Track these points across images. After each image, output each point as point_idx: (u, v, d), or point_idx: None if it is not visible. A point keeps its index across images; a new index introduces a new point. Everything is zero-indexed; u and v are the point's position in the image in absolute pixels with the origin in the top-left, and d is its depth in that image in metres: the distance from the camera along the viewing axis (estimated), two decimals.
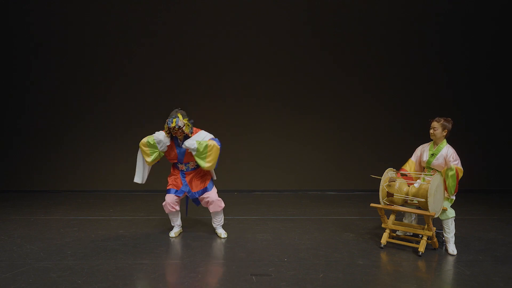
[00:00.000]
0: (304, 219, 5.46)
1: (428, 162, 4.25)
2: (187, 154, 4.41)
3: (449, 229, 4.11)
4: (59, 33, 7.13)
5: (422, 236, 4.09)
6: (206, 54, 7.15)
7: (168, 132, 4.33)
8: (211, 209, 4.54)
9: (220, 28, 7.14)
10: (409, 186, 4.16)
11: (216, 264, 3.81)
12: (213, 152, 4.29)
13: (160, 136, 4.37)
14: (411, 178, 4.33)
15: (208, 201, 4.50)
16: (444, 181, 4.05)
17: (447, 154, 4.14)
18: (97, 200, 6.61)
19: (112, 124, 7.21)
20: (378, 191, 4.22)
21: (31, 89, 7.25)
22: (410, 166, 4.40)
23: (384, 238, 4.26)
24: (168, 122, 4.24)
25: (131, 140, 7.14)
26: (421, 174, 4.30)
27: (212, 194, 4.51)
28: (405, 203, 4.20)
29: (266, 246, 4.32)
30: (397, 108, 7.28)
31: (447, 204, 4.10)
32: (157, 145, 4.37)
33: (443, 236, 4.20)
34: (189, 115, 4.41)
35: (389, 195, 4.13)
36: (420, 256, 4.00)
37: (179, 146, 4.41)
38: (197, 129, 4.46)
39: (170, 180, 4.57)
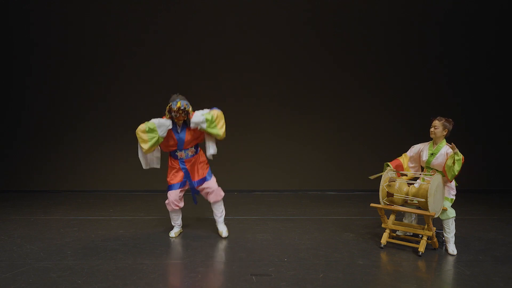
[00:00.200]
0: (304, 219, 5.46)
1: (428, 161, 4.25)
2: (187, 140, 4.39)
3: (449, 229, 4.11)
4: (59, 33, 7.13)
5: (422, 236, 4.10)
6: (206, 54, 7.15)
7: (169, 116, 4.29)
8: (212, 199, 4.51)
9: (220, 28, 7.14)
10: (409, 186, 4.16)
11: (216, 264, 3.81)
12: (221, 118, 4.38)
13: (161, 119, 4.29)
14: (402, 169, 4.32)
15: (208, 192, 4.49)
16: (444, 170, 4.02)
17: (447, 153, 4.14)
18: (97, 200, 6.61)
19: (112, 124, 7.21)
20: (378, 191, 4.22)
21: (31, 89, 7.25)
22: (403, 160, 4.41)
23: (384, 238, 4.26)
24: (173, 104, 4.19)
25: (131, 140, 7.11)
26: (420, 174, 4.30)
27: (211, 184, 4.50)
28: (405, 203, 4.20)
29: (266, 246, 4.32)
30: (397, 108, 7.28)
31: (447, 204, 4.10)
32: (157, 129, 4.23)
33: (443, 236, 4.20)
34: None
35: (389, 195, 4.13)
36: (420, 256, 4.00)
37: (177, 132, 4.38)
38: (192, 111, 4.39)
39: (171, 175, 4.52)
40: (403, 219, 4.52)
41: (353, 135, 7.31)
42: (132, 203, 6.36)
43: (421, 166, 4.40)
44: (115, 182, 7.24)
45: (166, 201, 4.55)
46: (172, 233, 4.64)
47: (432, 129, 4.22)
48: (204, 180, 4.50)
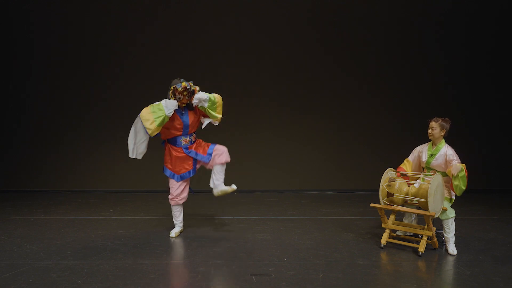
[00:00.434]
0: (304, 219, 5.45)
1: (427, 162, 4.25)
2: (191, 123, 4.40)
3: (449, 229, 4.11)
4: (59, 33, 7.13)
5: (422, 236, 4.09)
6: (206, 54, 7.15)
7: (173, 99, 4.30)
8: (222, 159, 4.44)
9: (220, 28, 7.14)
10: (409, 186, 4.16)
11: (216, 264, 3.81)
12: (220, 102, 4.45)
13: (167, 100, 4.29)
14: (408, 179, 4.33)
15: (217, 154, 4.44)
16: (451, 185, 4.05)
17: (446, 153, 4.14)
18: (97, 200, 6.61)
19: (112, 124, 7.20)
20: (378, 191, 4.22)
21: (31, 89, 7.25)
22: (406, 166, 4.40)
23: (384, 238, 4.26)
24: (178, 85, 4.23)
25: None
26: (420, 174, 4.30)
27: (219, 146, 4.49)
28: (405, 203, 4.20)
29: (266, 246, 4.32)
30: (397, 108, 7.28)
31: (447, 204, 4.10)
32: (164, 108, 4.22)
33: (443, 236, 4.20)
34: None
35: (389, 195, 4.13)
36: (420, 256, 4.00)
37: (181, 115, 4.38)
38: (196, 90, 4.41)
39: (178, 164, 4.47)
40: (403, 219, 4.51)
41: (353, 135, 7.31)
42: (132, 203, 6.36)
43: (422, 167, 4.40)
44: (115, 182, 7.24)
45: (170, 196, 4.54)
46: (173, 233, 4.63)
47: (429, 131, 4.22)
48: (211, 148, 4.48)
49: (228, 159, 4.50)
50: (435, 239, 4.15)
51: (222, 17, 7.12)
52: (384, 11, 7.13)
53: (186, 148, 4.47)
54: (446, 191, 4.15)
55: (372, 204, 4.29)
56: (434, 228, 4.11)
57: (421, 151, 4.35)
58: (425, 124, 4.35)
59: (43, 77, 7.23)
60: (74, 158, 7.28)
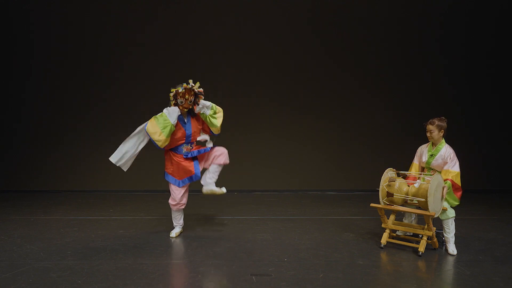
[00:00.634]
0: (304, 219, 5.45)
1: (428, 162, 4.26)
2: (193, 131, 4.41)
3: (449, 229, 4.11)
4: (59, 33, 7.13)
5: (422, 236, 4.09)
6: (206, 54, 7.15)
7: (174, 103, 4.32)
8: (221, 160, 4.45)
9: (220, 28, 7.14)
10: (409, 186, 4.16)
11: (216, 264, 3.81)
12: (220, 111, 4.52)
13: (169, 108, 4.30)
14: (413, 179, 4.33)
15: (216, 155, 4.46)
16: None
17: (445, 154, 4.14)
18: (97, 200, 6.61)
19: (112, 124, 7.20)
20: (378, 191, 4.22)
21: (31, 89, 7.25)
22: (415, 169, 4.40)
23: (384, 238, 4.25)
24: (180, 88, 4.27)
25: None
26: (420, 174, 4.30)
27: (220, 147, 4.51)
28: (405, 203, 4.20)
29: (266, 246, 4.32)
30: (397, 108, 7.28)
31: (447, 204, 4.10)
32: (169, 117, 4.23)
33: (443, 236, 4.20)
34: None
35: (389, 195, 4.13)
36: (420, 256, 4.00)
37: (184, 123, 4.39)
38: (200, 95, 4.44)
39: (180, 171, 4.45)
40: (403, 219, 4.51)
41: (353, 135, 7.31)
42: (132, 203, 6.36)
43: (421, 167, 4.41)
44: (115, 182, 7.24)
45: (173, 202, 4.52)
46: (173, 233, 4.63)
47: (428, 134, 4.23)
48: (207, 149, 4.49)
49: (227, 161, 4.51)
50: (435, 239, 4.15)
51: (222, 17, 7.12)
52: (384, 11, 7.13)
53: (187, 155, 4.47)
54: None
55: (372, 204, 4.29)
56: (434, 228, 4.11)
57: (422, 151, 4.35)
58: (423, 125, 4.34)
59: (43, 77, 7.23)
60: (74, 158, 7.28)
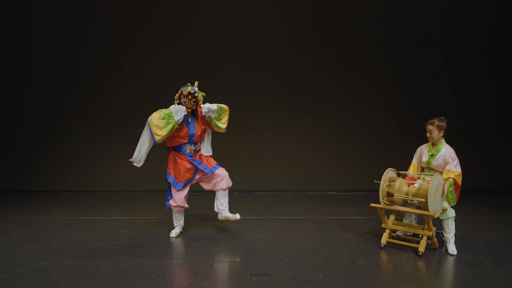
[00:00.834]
0: (304, 219, 5.46)
1: (428, 162, 4.26)
2: (197, 131, 4.40)
3: (449, 229, 4.11)
4: (59, 33, 7.13)
5: (422, 236, 4.09)
6: (206, 53, 7.15)
7: (178, 102, 4.31)
8: (223, 185, 4.47)
9: (221, 28, 7.14)
10: (409, 186, 4.16)
11: (216, 264, 3.81)
12: (226, 113, 4.48)
13: (176, 105, 4.29)
14: (411, 178, 4.33)
15: (217, 181, 4.47)
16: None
17: (445, 154, 4.14)
18: (97, 200, 6.61)
19: (112, 124, 7.21)
20: (378, 191, 4.22)
21: (31, 89, 7.25)
22: (413, 169, 4.40)
23: (384, 238, 4.25)
24: (183, 89, 4.26)
25: (131, 140, 7.14)
26: (421, 174, 4.30)
27: (222, 171, 4.50)
28: (405, 203, 4.20)
29: (266, 246, 4.32)
30: (397, 108, 7.28)
31: (447, 204, 4.10)
32: (174, 115, 4.21)
33: (443, 236, 4.20)
34: None
35: (389, 195, 4.13)
36: (420, 256, 4.00)
37: (188, 122, 4.39)
38: (201, 99, 4.44)
39: (181, 173, 4.45)
40: (403, 219, 4.51)
41: (353, 135, 7.31)
42: (132, 203, 6.36)
43: (421, 167, 4.40)
44: (115, 182, 7.24)
45: (174, 204, 4.51)
46: (173, 233, 4.63)
47: (428, 134, 4.23)
48: (215, 168, 4.48)
49: (230, 184, 4.53)
50: (435, 239, 4.15)
51: (222, 17, 7.12)
52: (384, 11, 7.13)
53: (191, 156, 4.45)
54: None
55: (372, 204, 4.29)
56: (434, 228, 4.11)
57: (422, 151, 4.35)
58: (423, 125, 4.35)
59: (43, 77, 7.23)
60: (74, 158, 7.27)
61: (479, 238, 4.60)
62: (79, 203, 6.40)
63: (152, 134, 4.24)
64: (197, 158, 4.49)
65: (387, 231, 4.27)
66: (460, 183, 4.11)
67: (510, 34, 7.19)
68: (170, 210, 4.67)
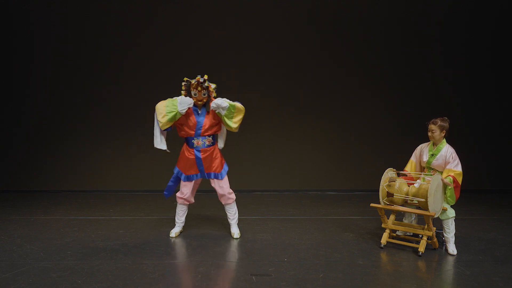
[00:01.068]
0: (304, 219, 5.46)
1: (428, 162, 4.25)
2: (205, 125, 4.35)
3: (449, 229, 4.11)
4: (59, 33, 7.13)
5: (422, 236, 4.09)
6: (206, 54, 7.14)
7: (185, 94, 4.30)
8: (222, 201, 4.56)
9: (220, 28, 7.13)
10: (409, 186, 4.16)
11: (216, 264, 3.81)
12: (240, 113, 4.37)
13: (183, 97, 4.27)
14: (411, 178, 4.33)
15: (218, 193, 4.50)
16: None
17: (446, 154, 4.14)
18: (97, 200, 6.60)
19: (112, 124, 7.21)
20: (378, 191, 4.22)
21: (31, 89, 7.24)
22: (411, 167, 4.40)
23: (384, 238, 4.26)
24: (194, 80, 4.24)
25: (131, 140, 7.18)
26: (421, 174, 4.30)
27: (224, 185, 4.48)
28: (405, 203, 4.20)
29: (266, 246, 4.32)
30: (398, 108, 7.28)
31: (447, 204, 4.10)
32: (178, 104, 4.20)
33: (443, 236, 4.20)
34: None
35: (389, 195, 4.13)
36: (420, 256, 4.00)
37: (197, 114, 4.36)
38: (213, 91, 4.43)
39: (187, 166, 4.44)
40: (403, 219, 4.52)
41: (353, 135, 7.31)
42: (132, 203, 6.36)
43: (421, 166, 4.40)
44: (115, 182, 7.24)
45: (180, 195, 4.52)
46: (173, 233, 4.63)
47: (430, 134, 4.22)
48: (217, 176, 4.46)
49: (229, 202, 4.56)
50: (435, 239, 4.15)
51: (222, 17, 7.11)
52: (384, 11, 7.13)
53: (198, 151, 4.39)
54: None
55: (372, 204, 4.29)
56: (434, 228, 4.11)
57: (422, 151, 4.35)
58: (425, 124, 4.35)
59: (43, 77, 7.22)
60: (74, 158, 7.27)
61: (479, 238, 4.61)
62: (79, 203, 6.40)
63: (156, 120, 4.30)
64: (204, 156, 4.38)
65: (387, 231, 4.28)
66: (460, 182, 4.11)
67: (510, 34, 7.19)
68: (173, 206, 4.66)
